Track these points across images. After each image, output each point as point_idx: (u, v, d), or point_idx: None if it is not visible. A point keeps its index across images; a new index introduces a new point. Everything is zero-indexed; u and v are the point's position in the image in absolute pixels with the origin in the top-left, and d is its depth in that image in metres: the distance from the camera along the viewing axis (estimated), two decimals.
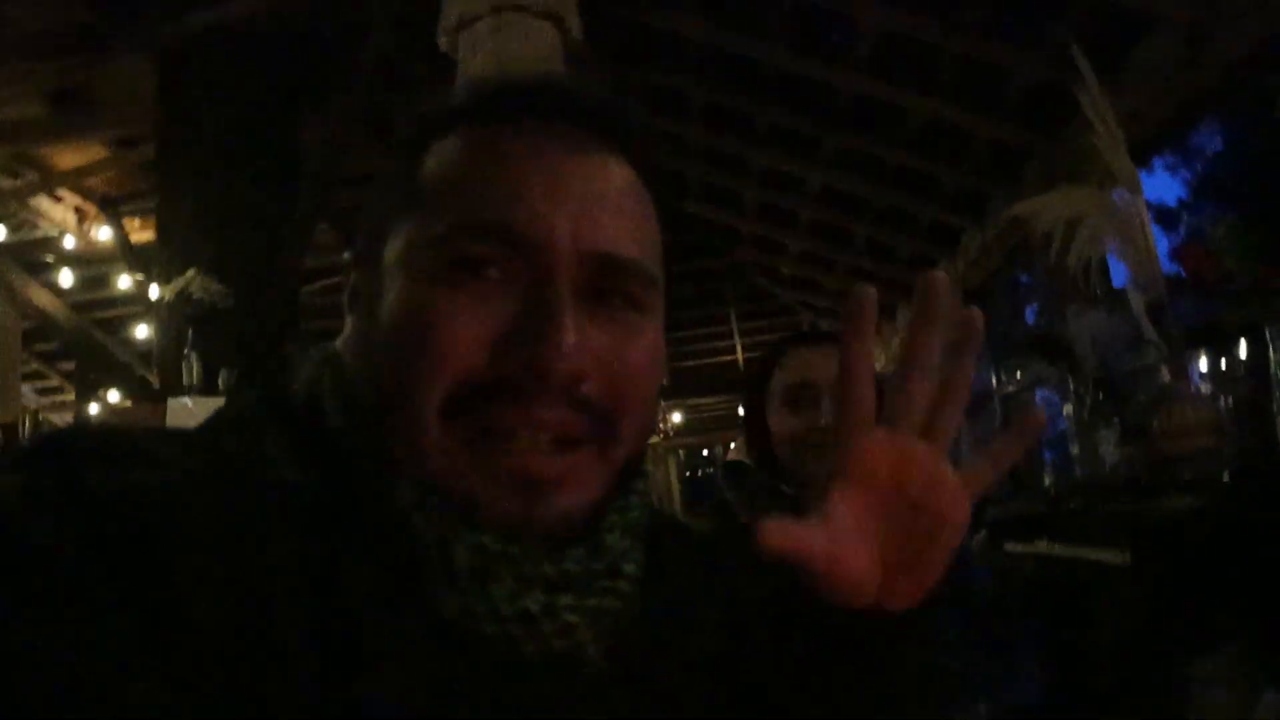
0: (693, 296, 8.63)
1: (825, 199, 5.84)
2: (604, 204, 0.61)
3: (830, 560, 0.57)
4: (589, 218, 0.60)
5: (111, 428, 0.67)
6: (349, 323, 0.67)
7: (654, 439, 12.54)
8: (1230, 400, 2.66)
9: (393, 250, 0.62)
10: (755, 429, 1.69)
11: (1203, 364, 2.93)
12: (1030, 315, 6.77)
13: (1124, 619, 2.52)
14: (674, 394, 11.17)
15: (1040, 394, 5.97)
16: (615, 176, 0.63)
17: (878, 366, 0.66)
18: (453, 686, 0.53)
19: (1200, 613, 2.16)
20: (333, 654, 0.49)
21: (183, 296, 3.96)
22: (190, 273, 3.99)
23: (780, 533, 0.54)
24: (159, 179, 4.74)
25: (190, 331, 4.09)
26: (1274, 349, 2.37)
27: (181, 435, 0.60)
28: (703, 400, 11.23)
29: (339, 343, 0.68)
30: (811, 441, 1.59)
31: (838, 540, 0.57)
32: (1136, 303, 2.75)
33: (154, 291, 4.32)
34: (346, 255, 0.72)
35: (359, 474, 0.58)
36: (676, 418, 11.79)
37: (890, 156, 4.99)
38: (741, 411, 1.75)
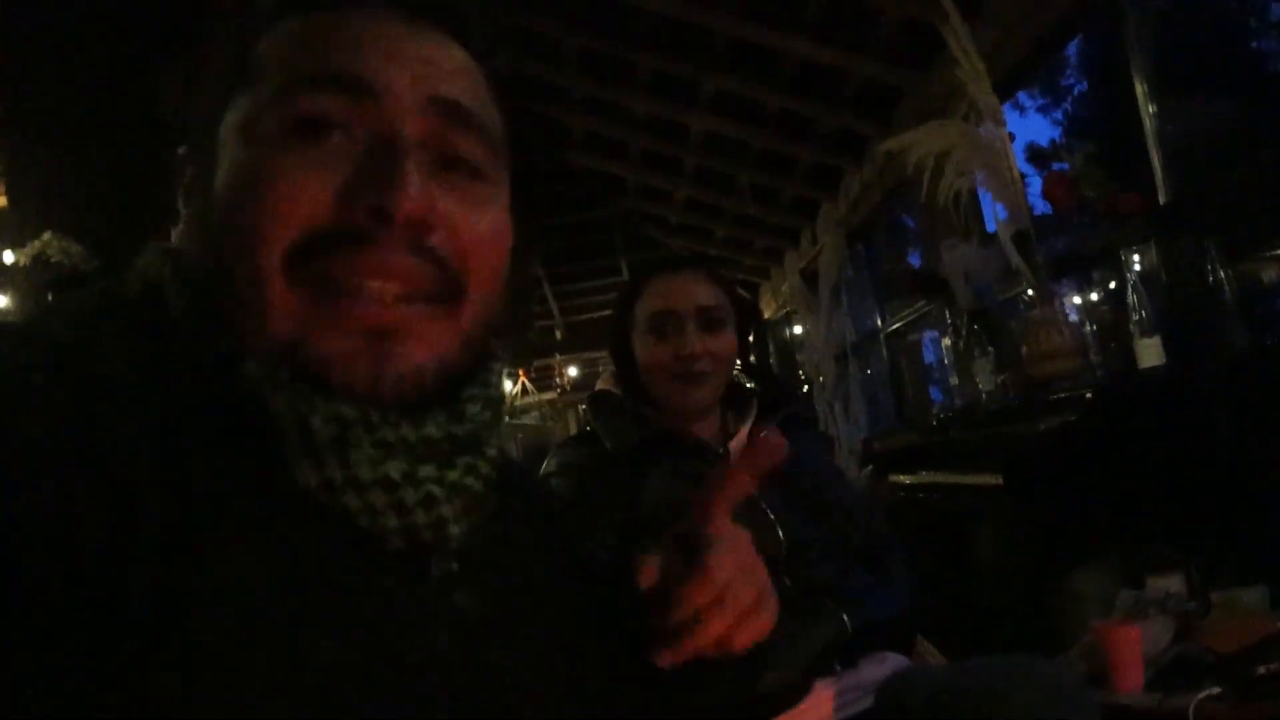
0: (583, 248, 8.59)
1: (708, 145, 5.85)
2: (443, 66, 0.63)
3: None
4: (429, 72, 0.62)
5: None
6: (185, 215, 0.66)
7: (551, 394, 12.54)
8: (1093, 323, 2.78)
9: (228, 124, 0.61)
10: (621, 358, 1.68)
11: (1067, 290, 3.05)
12: (915, 259, 6.94)
13: (998, 535, 2.63)
14: (568, 348, 11.13)
15: (928, 335, 6.16)
16: (455, 54, 0.65)
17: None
18: (308, 570, 0.52)
19: (1068, 523, 2.26)
20: (182, 544, 0.47)
21: (40, 261, 3.75)
22: (46, 235, 3.77)
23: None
24: (5, 137, 4.47)
25: (51, 298, 3.88)
26: (1128, 272, 2.48)
27: (11, 329, 0.58)
28: (598, 354, 11.22)
29: (174, 237, 0.66)
30: (678, 370, 1.59)
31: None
32: (1004, 233, 2.84)
33: (8, 257, 4.08)
34: (180, 151, 0.68)
35: (204, 356, 0.56)
36: (572, 371, 11.76)
37: (768, 100, 5.01)
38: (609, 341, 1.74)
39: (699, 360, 1.58)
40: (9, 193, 4.36)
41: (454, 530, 0.59)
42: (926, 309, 4.76)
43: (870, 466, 3.92)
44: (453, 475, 0.59)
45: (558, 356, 11.77)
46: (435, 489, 0.57)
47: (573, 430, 12.54)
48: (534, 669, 0.63)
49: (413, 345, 0.59)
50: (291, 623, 0.50)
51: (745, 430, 1.64)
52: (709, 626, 0.63)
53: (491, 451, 0.63)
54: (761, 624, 0.66)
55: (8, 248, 4.06)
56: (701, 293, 1.62)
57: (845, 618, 1.43)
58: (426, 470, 0.57)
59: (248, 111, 0.59)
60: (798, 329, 7.25)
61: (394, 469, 0.56)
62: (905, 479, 3.42)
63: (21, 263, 3.87)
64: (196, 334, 0.57)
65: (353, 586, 0.54)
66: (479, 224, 0.63)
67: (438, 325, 0.60)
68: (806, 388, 6.84)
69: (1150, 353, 2.40)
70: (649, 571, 0.63)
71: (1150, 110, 2.88)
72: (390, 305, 0.58)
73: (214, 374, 0.55)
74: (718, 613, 0.63)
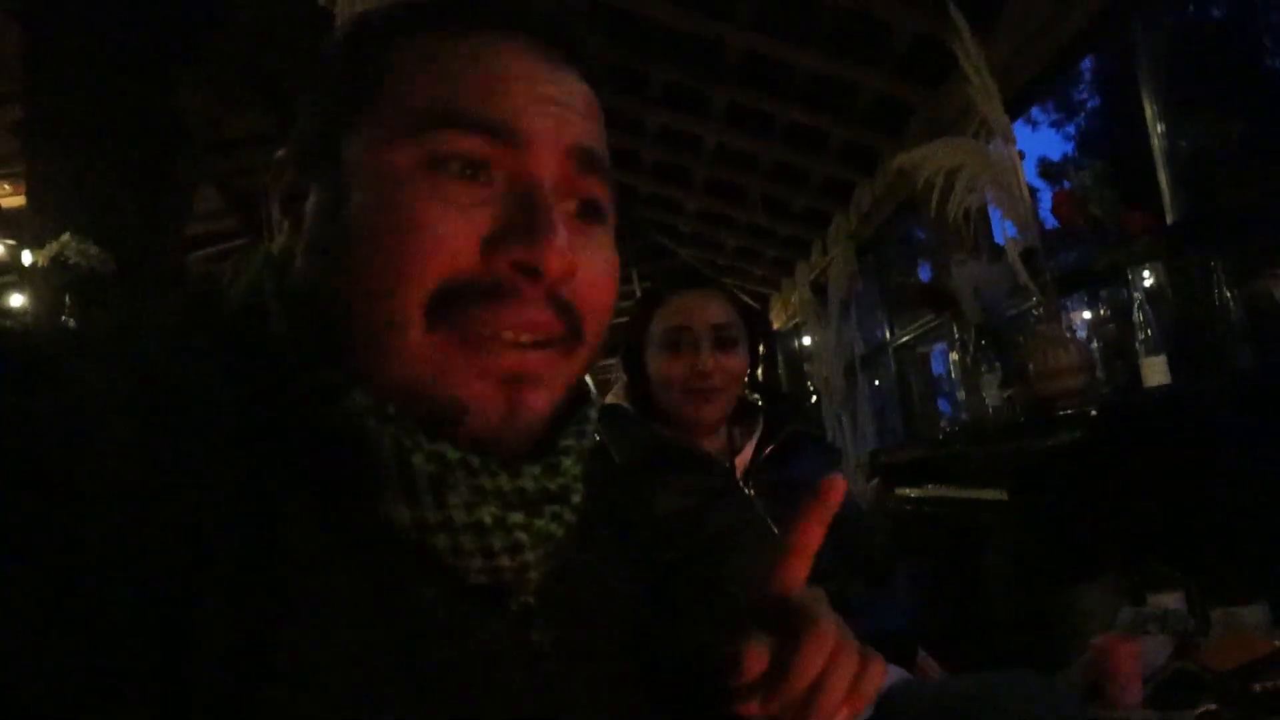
0: None
1: (719, 157, 5.87)
2: (576, 107, 0.63)
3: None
4: (567, 116, 0.61)
5: (13, 335, 0.57)
6: (286, 226, 0.64)
7: None
8: (1099, 341, 2.79)
9: (355, 147, 0.59)
10: (634, 369, 1.71)
11: (1074, 307, 3.07)
12: (925, 273, 6.95)
13: (1002, 551, 2.64)
14: None
15: (937, 347, 6.16)
16: (582, 91, 0.64)
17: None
18: (385, 601, 0.52)
19: (1071, 539, 2.27)
20: (265, 578, 0.47)
21: (58, 262, 3.77)
22: (65, 236, 3.79)
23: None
24: (28, 140, 4.51)
25: (68, 298, 3.91)
26: (1135, 290, 2.49)
27: (98, 342, 0.55)
28: (609, 360, 11.21)
29: (276, 249, 0.64)
30: (691, 385, 1.61)
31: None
32: (1012, 250, 2.85)
33: (27, 257, 4.10)
34: (279, 154, 0.66)
35: (303, 383, 0.55)
36: None
37: (780, 112, 5.03)
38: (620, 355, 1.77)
39: (711, 377, 1.60)
40: (29, 194, 4.39)
41: (534, 575, 0.59)
42: (935, 322, 4.78)
43: (877, 479, 3.93)
44: (539, 523, 0.58)
45: None
46: (522, 535, 0.57)
47: None
48: (609, 706, 0.62)
49: (541, 391, 0.59)
50: (367, 655, 0.49)
51: (751, 445, 1.66)
52: (828, 695, 0.60)
53: (577, 499, 0.62)
54: (875, 677, 0.63)
55: (27, 248, 4.09)
56: (717, 311, 1.65)
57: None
58: (515, 517, 0.57)
59: (380, 138, 0.58)
60: (807, 340, 7.27)
61: (487, 514, 0.55)
62: (912, 492, 3.43)
63: (40, 263, 3.88)
64: (296, 357, 0.56)
65: (429, 620, 0.54)
66: (600, 268, 0.63)
67: (558, 367, 0.60)
68: (815, 398, 6.86)
69: (1155, 371, 2.41)
70: (756, 659, 0.60)
71: (1159, 129, 2.90)
72: (526, 350, 0.58)
73: (309, 399, 0.54)
74: (834, 680, 0.60)
